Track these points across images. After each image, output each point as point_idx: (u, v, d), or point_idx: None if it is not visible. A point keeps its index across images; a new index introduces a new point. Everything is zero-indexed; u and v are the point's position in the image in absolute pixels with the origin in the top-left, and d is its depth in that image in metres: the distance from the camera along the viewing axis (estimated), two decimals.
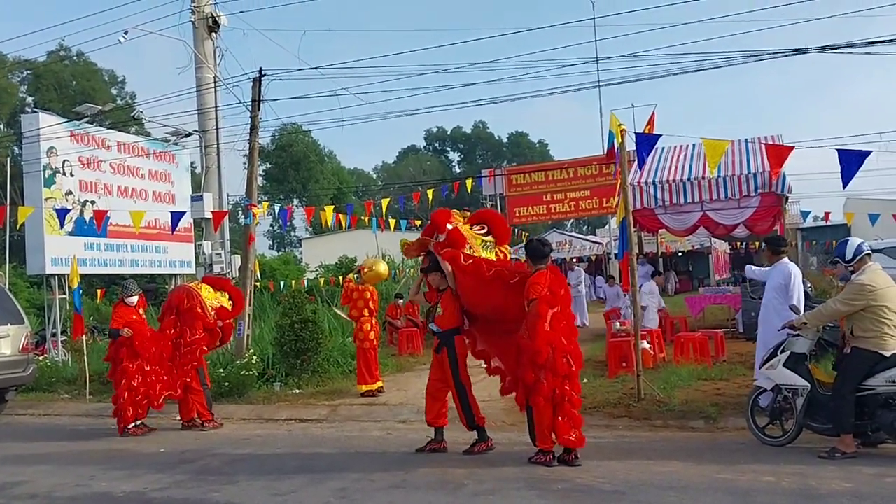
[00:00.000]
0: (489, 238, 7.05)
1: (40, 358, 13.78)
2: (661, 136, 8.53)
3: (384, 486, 5.98)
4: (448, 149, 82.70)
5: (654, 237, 19.01)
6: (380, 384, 10.65)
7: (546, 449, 6.41)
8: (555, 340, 6.29)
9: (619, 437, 7.54)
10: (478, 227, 7.07)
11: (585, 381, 9.64)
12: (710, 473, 5.92)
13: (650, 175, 12.22)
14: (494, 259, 7.04)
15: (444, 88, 38.72)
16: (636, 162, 11.35)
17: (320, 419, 9.49)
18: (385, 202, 17.74)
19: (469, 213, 7.56)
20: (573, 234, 39.16)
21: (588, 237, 35.87)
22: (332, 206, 18.17)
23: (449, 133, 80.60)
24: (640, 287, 13.47)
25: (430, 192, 17.49)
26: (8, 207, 14.46)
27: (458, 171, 76.24)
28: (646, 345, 9.80)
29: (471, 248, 6.92)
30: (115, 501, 6.05)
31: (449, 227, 7.02)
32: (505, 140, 78.54)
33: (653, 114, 10.15)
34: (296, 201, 58.03)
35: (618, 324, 10.77)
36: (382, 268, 10.96)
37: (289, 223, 61.13)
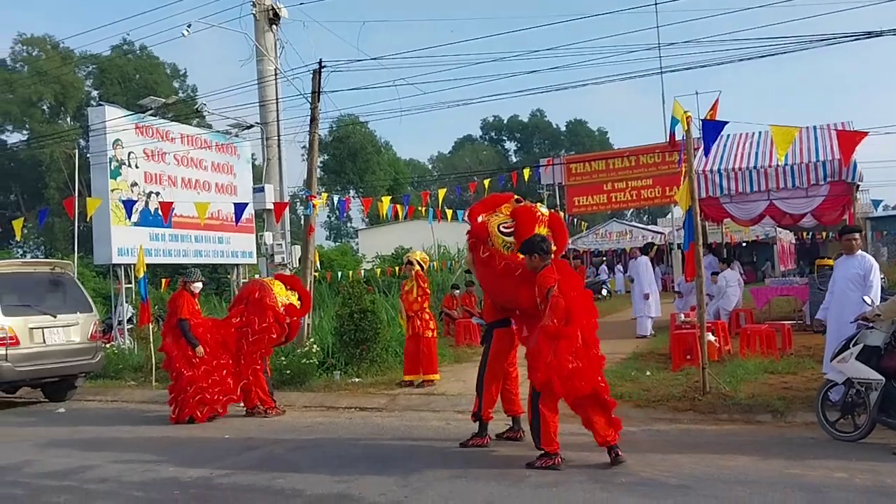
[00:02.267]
0: (510, 239, 6.83)
1: (107, 346, 14.15)
2: (727, 122, 8.31)
3: (446, 475, 5.98)
4: (504, 138, 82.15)
5: (718, 227, 18.63)
6: (436, 376, 10.64)
7: (552, 451, 6.16)
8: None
9: (683, 431, 7.40)
10: (508, 225, 6.89)
11: (649, 373, 9.53)
12: (779, 468, 5.77)
13: (715, 163, 11.96)
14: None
15: (502, 77, 38.36)
16: (701, 150, 11.10)
17: (380, 408, 9.54)
18: (441, 193, 17.71)
19: (521, 202, 7.34)
20: (634, 223, 38.66)
21: (649, 227, 35.34)
22: (389, 197, 18.25)
23: (505, 122, 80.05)
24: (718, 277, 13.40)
25: (486, 182, 17.42)
26: (76, 199, 14.89)
27: (514, 160, 75.70)
28: (711, 337, 9.59)
29: (492, 244, 6.84)
30: (182, 486, 6.17)
31: (480, 219, 6.98)
32: (563, 128, 77.66)
33: (717, 101, 9.90)
34: (352, 192, 58.50)
35: (682, 316, 10.56)
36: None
37: (346, 214, 61.79)
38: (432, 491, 5.59)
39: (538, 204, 7.24)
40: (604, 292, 25.57)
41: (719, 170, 11.80)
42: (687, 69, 12.63)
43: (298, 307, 9.94)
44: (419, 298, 10.62)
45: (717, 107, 9.64)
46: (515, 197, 7.17)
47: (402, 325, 10.70)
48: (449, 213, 18.27)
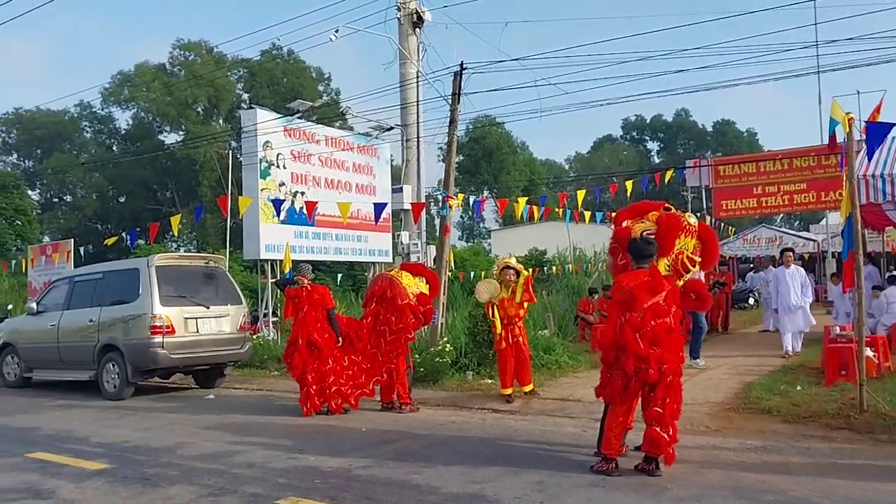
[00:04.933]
0: None
1: (254, 337, 14.81)
2: (894, 125, 7.71)
3: (582, 483, 5.85)
4: (647, 138, 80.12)
5: (879, 235, 17.40)
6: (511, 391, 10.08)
7: (609, 455, 6.13)
8: (630, 344, 5.95)
9: (837, 450, 6.92)
10: (651, 231, 6.64)
11: (799, 388, 9.01)
12: None
13: (878, 167, 11.14)
14: (666, 266, 6.61)
15: (648, 76, 37.07)
16: (861, 153, 10.40)
17: (513, 411, 9.48)
18: (581, 194, 17.42)
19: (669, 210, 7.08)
20: (784, 229, 36.74)
21: (801, 234, 33.50)
22: (526, 198, 18.14)
23: (648, 122, 78.05)
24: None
25: (628, 183, 16.98)
26: (229, 198, 15.69)
27: (656, 161, 73.76)
28: (869, 352, 8.94)
29: None
30: (323, 475, 6.35)
31: (624, 224, 6.79)
32: (709, 129, 74.90)
33: (881, 101, 9.24)
34: (486, 192, 58.73)
35: (837, 328, 9.91)
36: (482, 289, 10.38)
37: (480, 215, 62.06)
38: (569, 498, 5.49)
39: (687, 213, 6.95)
40: (751, 301, 24.44)
41: (882, 174, 11.00)
42: (849, 68, 11.72)
43: (427, 292, 10.06)
44: (524, 304, 10.18)
45: (881, 107, 9.00)
46: (665, 205, 6.91)
47: (495, 334, 10.11)
48: (587, 215, 17.94)
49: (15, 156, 59.15)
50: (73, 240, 21.34)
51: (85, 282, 13.11)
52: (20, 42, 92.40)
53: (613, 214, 7.31)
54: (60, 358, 12.75)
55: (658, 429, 5.98)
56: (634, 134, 79.77)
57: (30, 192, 49.84)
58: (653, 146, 79.83)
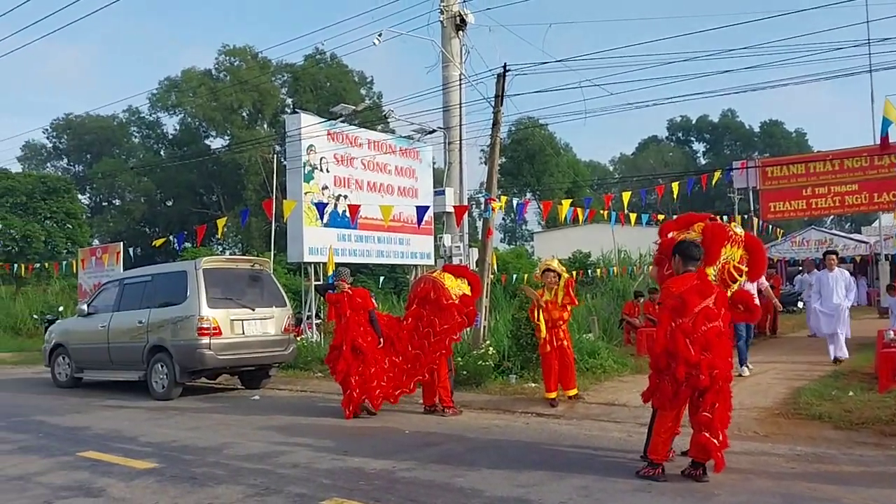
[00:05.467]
0: None
1: (297, 339, 14.92)
2: None
3: (628, 488, 5.78)
4: (692, 139, 79.15)
5: None
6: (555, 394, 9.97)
7: (655, 461, 6.03)
8: (682, 350, 5.84)
9: (890, 458, 6.72)
10: (698, 242, 6.55)
11: (851, 393, 8.79)
12: None
13: None
14: (713, 276, 6.51)
15: (694, 77, 36.34)
16: None
17: (557, 415, 9.40)
18: (626, 196, 17.21)
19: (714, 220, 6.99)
20: (834, 231, 35.89)
21: (852, 236, 32.73)
22: (570, 200, 18.02)
23: (694, 122, 77.11)
24: None
25: (674, 185, 16.73)
26: (274, 201, 15.87)
27: (702, 162, 72.88)
28: None
29: None
30: (367, 477, 6.37)
31: (670, 235, 6.72)
32: (756, 129, 73.68)
33: None
34: (528, 195, 58.52)
35: (891, 332, 9.64)
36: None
37: (522, 217, 61.80)
38: (614, 503, 5.42)
39: (733, 223, 6.87)
40: (799, 305, 23.96)
41: None
42: None
43: (470, 294, 10.01)
44: (567, 307, 10.04)
45: None
46: (710, 216, 6.84)
47: (539, 338, 10.04)
48: (632, 217, 17.69)
49: (65, 160, 60.91)
50: (122, 242, 21.79)
51: (134, 284, 13.35)
52: (70, 49, 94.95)
53: (660, 217, 7.23)
54: (110, 358, 13.01)
55: (707, 434, 5.89)
56: (680, 135, 78.85)
57: (80, 196, 51.01)
58: (699, 147, 78.95)
